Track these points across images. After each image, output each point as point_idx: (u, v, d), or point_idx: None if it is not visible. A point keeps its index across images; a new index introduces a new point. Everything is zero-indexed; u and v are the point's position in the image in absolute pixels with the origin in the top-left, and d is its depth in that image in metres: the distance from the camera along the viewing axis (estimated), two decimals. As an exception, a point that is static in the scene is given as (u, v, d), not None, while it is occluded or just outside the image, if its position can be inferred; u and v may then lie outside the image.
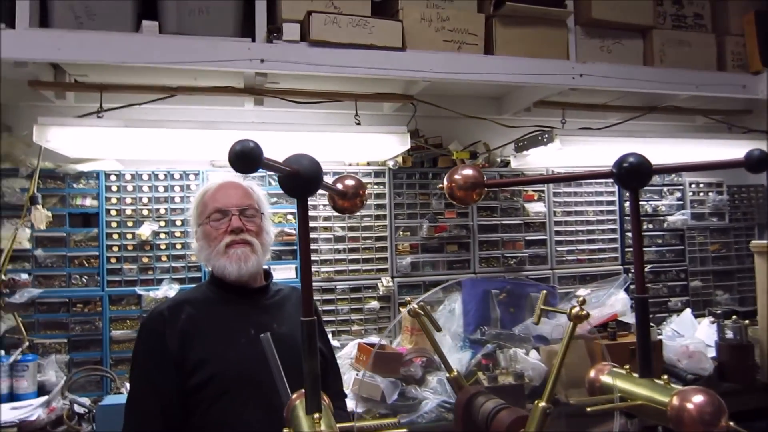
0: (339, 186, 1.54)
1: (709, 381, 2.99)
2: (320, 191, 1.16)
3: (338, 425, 1.10)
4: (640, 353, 1.35)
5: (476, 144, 3.74)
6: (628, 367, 1.42)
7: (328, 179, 1.48)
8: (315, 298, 3.31)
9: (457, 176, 1.52)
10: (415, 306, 1.36)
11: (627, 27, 3.18)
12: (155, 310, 1.79)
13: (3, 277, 2.89)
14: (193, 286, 1.91)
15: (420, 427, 2.69)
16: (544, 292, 1.28)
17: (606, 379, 1.43)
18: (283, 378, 1.21)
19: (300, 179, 1.13)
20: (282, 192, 1.37)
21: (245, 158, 0.88)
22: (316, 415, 1.08)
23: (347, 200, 1.54)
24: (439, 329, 1.44)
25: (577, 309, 1.13)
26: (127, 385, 2.26)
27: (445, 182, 1.54)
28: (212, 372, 1.63)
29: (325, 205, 3.33)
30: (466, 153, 3.61)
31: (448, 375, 1.43)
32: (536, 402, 1.15)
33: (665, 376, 1.29)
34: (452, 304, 3.34)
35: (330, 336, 3.29)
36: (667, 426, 1.24)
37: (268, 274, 1.93)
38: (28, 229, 2.95)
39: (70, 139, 2.74)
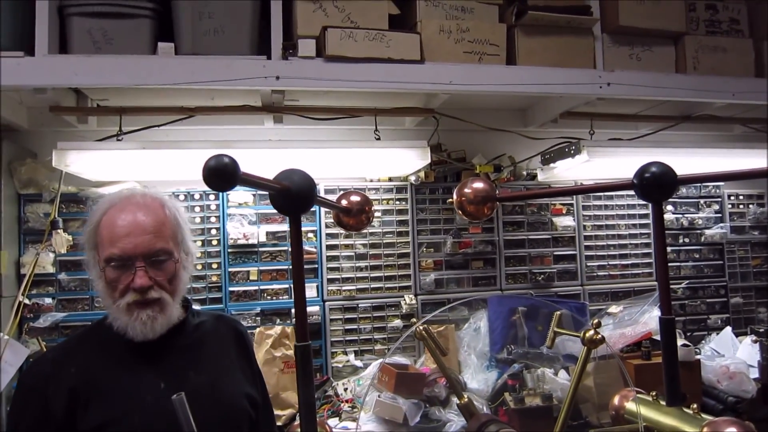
0: (343, 202, 1.48)
1: (752, 404, 2.82)
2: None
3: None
4: (667, 380, 1.24)
5: (501, 157, 3.65)
6: (654, 393, 1.32)
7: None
8: (337, 317, 3.28)
9: (467, 190, 1.45)
10: (420, 328, 1.28)
11: (657, 33, 3.06)
12: (37, 361, 1.45)
13: (27, 301, 2.92)
14: (88, 326, 1.49)
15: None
16: (558, 313, 1.20)
17: (631, 406, 1.33)
18: None
19: (291, 196, 1.07)
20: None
21: (220, 175, 0.82)
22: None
23: (352, 217, 1.48)
24: (444, 353, 1.36)
25: (591, 333, 1.04)
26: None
27: (455, 196, 1.47)
28: None
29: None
30: (490, 167, 3.53)
31: (458, 402, 1.35)
32: (548, 435, 1.06)
33: (695, 405, 1.19)
34: (477, 323, 3.24)
35: (352, 356, 3.24)
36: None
37: (186, 305, 1.54)
38: (51, 254, 2.98)
39: (90, 163, 2.77)
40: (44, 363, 1.39)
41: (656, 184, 1.28)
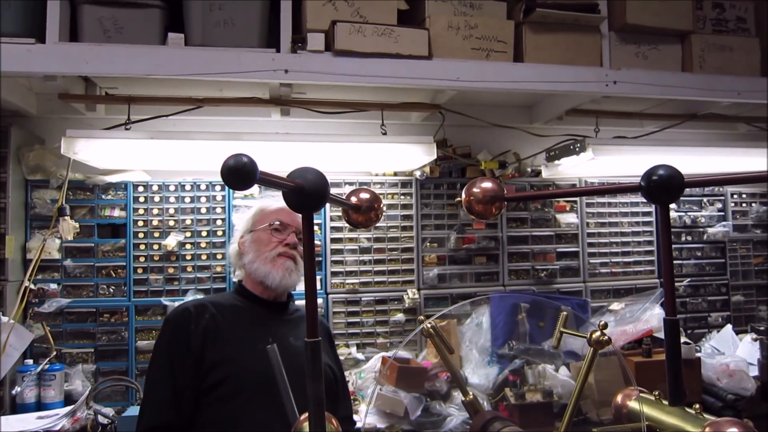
0: (353, 199, 1.49)
1: (752, 402, 2.84)
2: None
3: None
4: (670, 380, 1.26)
5: (506, 153, 3.66)
6: (657, 392, 1.33)
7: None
8: (340, 310, 3.30)
9: (475, 189, 1.46)
10: (428, 326, 1.30)
11: (664, 32, 3.06)
12: (181, 306, 1.83)
13: (32, 286, 2.94)
14: (218, 293, 1.95)
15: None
16: (564, 313, 1.21)
17: (633, 405, 1.34)
18: (287, 388, 1.23)
19: (304, 194, 1.09)
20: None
21: (238, 174, 0.84)
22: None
23: (361, 214, 1.49)
24: (451, 351, 1.38)
25: (597, 334, 1.06)
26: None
27: (463, 195, 1.48)
28: (228, 373, 1.67)
29: (351, 216, 3.29)
30: (495, 163, 3.53)
31: (463, 398, 1.36)
32: (553, 432, 1.07)
33: (697, 405, 1.21)
34: (479, 318, 3.26)
35: (354, 349, 3.26)
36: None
37: (290, 294, 1.99)
38: (57, 240, 3.00)
39: (98, 151, 2.78)
40: (188, 307, 1.78)
41: (663, 187, 1.29)
